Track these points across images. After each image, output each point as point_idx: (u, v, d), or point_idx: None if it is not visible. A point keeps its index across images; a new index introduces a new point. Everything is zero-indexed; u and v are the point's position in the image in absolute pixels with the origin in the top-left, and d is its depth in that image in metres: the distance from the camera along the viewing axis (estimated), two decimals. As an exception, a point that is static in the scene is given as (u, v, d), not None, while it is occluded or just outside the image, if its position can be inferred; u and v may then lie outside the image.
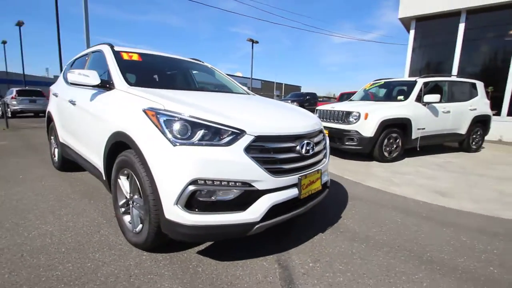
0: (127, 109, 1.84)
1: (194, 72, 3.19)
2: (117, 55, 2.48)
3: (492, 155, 5.83)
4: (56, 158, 3.68)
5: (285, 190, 1.69)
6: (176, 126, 1.53)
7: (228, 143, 1.53)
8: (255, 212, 1.56)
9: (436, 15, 8.21)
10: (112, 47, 2.62)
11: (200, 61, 3.46)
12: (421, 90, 5.09)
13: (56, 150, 3.65)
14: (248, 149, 1.56)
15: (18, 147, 5.36)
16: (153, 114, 1.61)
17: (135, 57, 2.60)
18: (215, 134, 1.54)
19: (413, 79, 5.42)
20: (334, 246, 2.00)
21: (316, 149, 1.98)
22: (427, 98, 4.95)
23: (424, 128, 5.04)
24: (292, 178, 1.73)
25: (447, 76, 6.13)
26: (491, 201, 3.09)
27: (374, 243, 2.07)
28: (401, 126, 4.81)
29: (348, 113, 4.83)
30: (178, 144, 1.48)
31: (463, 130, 5.61)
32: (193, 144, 1.49)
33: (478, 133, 5.88)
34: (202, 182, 1.46)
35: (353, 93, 12.63)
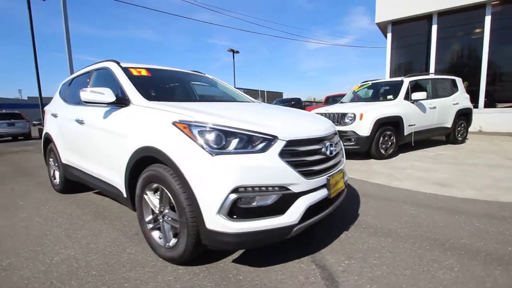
0: (153, 123, 1.84)
1: (200, 83, 3.21)
2: (126, 71, 2.47)
3: (477, 145, 6.20)
4: (57, 181, 3.53)
5: (317, 191, 1.75)
6: (211, 136, 1.56)
7: (263, 150, 1.57)
8: (293, 214, 1.60)
9: (411, 19, 8.74)
10: (118, 63, 2.61)
11: (201, 73, 3.50)
12: (408, 88, 5.37)
13: (57, 172, 3.52)
14: (282, 154, 1.61)
15: (7, 173, 5.08)
16: (185, 126, 1.63)
17: (144, 72, 2.60)
18: (249, 142, 1.58)
19: (399, 79, 5.71)
20: (362, 242, 2.07)
21: (336, 150, 2.06)
22: (415, 95, 5.23)
23: (414, 124, 5.31)
24: (322, 179, 1.79)
25: (428, 74, 6.50)
26: (488, 187, 3.30)
27: (397, 236, 2.15)
28: (394, 124, 5.04)
29: (344, 115, 5.00)
30: (216, 153, 1.50)
31: (449, 124, 5.95)
32: (230, 152, 1.52)
33: (462, 125, 6.26)
34: (243, 189, 1.49)
35: (338, 96, 13.09)
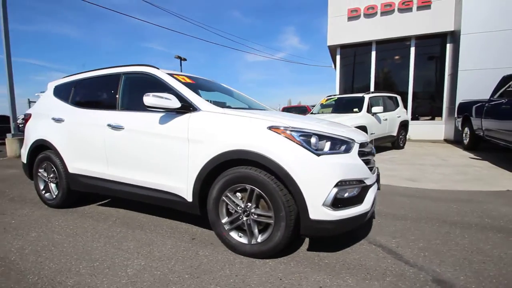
0: (243, 128, 1.97)
1: (227, 91, 3.34)
2: (175, 78, 2.49)
3: (414, 150, 7.72)
4: (52, 194, 3.11)
5: (375, 184, 2.17)
6: (312, 140, 1.82)
7: (347, 150, 1.92)
8: (367, 203, 1.97)
9: (355, 44, 10.36)
10: (158, 69, 2.59)
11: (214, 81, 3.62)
12: (368, 103, 6.44)
13: (53, 184, 3.10)
14: (359, 154, 1.98)
15: None
16: (282, 130, 1.85)
17: (187, 80, 2.64)
18: (337, 144, 1.90)
19: (360, 95, 6.78)
20: (392, 225, 2.57)
21: None
22: (375, 109, 6.30)
23: (374, 133, 6.36)
24: (376, 175, 2.22)
25: (381, 92, 7.82)
26: (442, 181, 4.30)
27: (412, 219, 2.73)
28: (361, 132, 5.96)
29: (323, 124, 5.68)
30: (319, 154, 1.78)
31: (395, 133, 7.29)
32: (328, 153, 1.82)
33: (403, 134, 7.73)
34: (341, 183, 1.80)
35: (292, 107, 14.28)
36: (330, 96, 7.47)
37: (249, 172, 1.90)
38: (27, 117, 3.40)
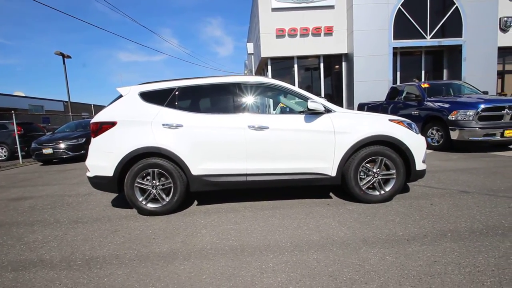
0: (375, 121, 3.09)
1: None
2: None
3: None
4: (162, 201, 3.09)
5: None
6: (412, 126, 3.18)
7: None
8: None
9: (282, 58, 12.53)
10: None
11: None
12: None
13: (161, 191, 3.09)
14: None
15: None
16: (398, 122, 3.12)
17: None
18: (416, 128, 3.34)
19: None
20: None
21: None
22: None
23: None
24: None
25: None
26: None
27: (410, 173, 4.58)
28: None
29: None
30: (417, 133, 3.17)
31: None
32: (418, 132, 3.23)
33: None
34: (426, 150, 3.25)
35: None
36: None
37: (381, 148, 3.06)
38: (102, 126, 3.08)
